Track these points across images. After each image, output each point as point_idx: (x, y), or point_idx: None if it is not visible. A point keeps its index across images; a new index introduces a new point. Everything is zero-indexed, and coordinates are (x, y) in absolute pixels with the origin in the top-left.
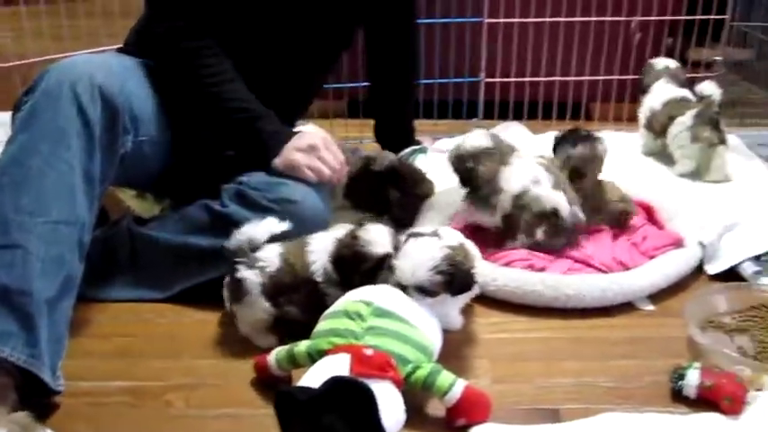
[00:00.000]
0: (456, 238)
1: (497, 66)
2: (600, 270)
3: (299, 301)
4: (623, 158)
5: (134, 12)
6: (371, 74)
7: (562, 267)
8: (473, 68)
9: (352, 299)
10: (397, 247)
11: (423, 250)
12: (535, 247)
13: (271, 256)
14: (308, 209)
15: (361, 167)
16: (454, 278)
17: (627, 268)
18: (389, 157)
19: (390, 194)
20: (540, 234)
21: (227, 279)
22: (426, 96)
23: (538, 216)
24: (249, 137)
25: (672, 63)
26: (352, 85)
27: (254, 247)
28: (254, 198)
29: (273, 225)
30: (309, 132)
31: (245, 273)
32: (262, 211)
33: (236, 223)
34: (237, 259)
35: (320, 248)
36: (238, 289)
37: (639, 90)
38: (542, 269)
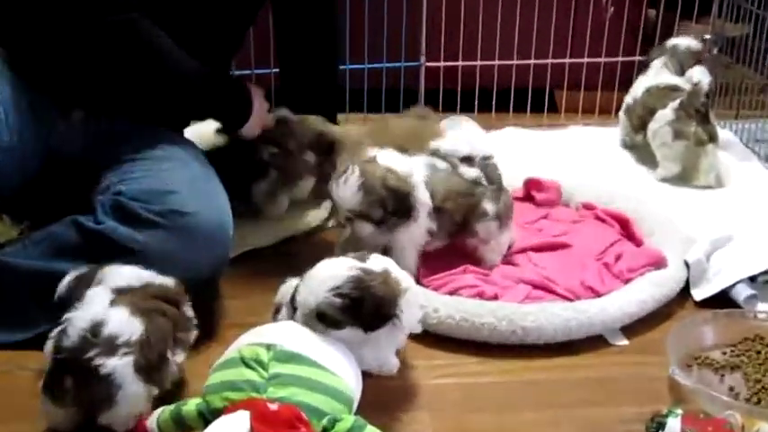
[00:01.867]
0: (383, 264)
1: (441, 47)
2: (564, 297)
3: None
4: (594, 158)
5: None
6: (281, 57)
7: (518, 295)
8: (411, 50)
9: (249, 341)
10: None
11: (329, 269)
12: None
13: (122, 323)
14: (202, 222)
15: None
16: (361, 305)
17: (597, 294)
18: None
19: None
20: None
21: (70, 388)
22: (354, 85)
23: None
24: (229, 97)
25: (688, 43)
26: (260, 71)
27: (98, 325)
28: (135, 210)
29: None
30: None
31: (109, 363)
32: (144, 226)
33: (114, 242)
34: (86, 356)
35: None
36: (106, 389)
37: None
38: (494, 297)
